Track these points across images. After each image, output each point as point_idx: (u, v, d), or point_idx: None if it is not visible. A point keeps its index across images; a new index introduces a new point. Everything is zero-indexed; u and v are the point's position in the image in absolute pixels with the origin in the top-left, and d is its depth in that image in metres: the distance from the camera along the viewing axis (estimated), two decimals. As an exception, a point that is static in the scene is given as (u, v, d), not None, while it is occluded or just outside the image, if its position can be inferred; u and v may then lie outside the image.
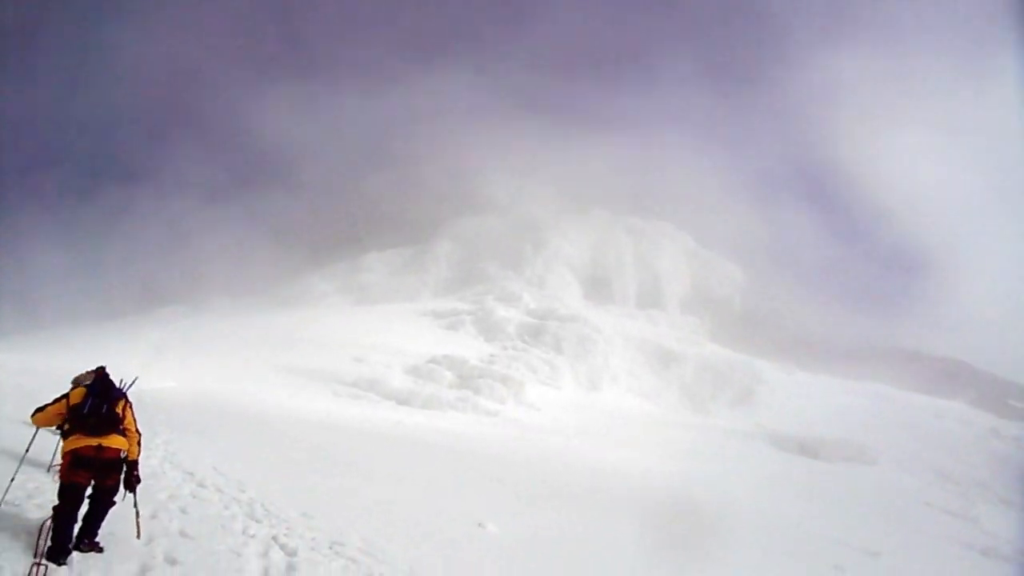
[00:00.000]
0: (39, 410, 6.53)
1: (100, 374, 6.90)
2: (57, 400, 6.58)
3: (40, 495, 7.00)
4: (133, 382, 7.06)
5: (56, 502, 6.07)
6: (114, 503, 6.37)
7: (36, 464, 7.20)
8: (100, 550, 6.04)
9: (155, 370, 17.03)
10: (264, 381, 16.13)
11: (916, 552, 10.39)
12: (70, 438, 6.31)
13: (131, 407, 6.76)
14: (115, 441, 6.36)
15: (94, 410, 6.37)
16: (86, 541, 6.03)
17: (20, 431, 8.84)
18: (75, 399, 6.50)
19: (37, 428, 6.76)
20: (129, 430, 6.61)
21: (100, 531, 6.17)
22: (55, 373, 12.67)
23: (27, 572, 5.16)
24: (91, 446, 6.24)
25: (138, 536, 6.53)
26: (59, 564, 5.67)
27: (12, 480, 6.60)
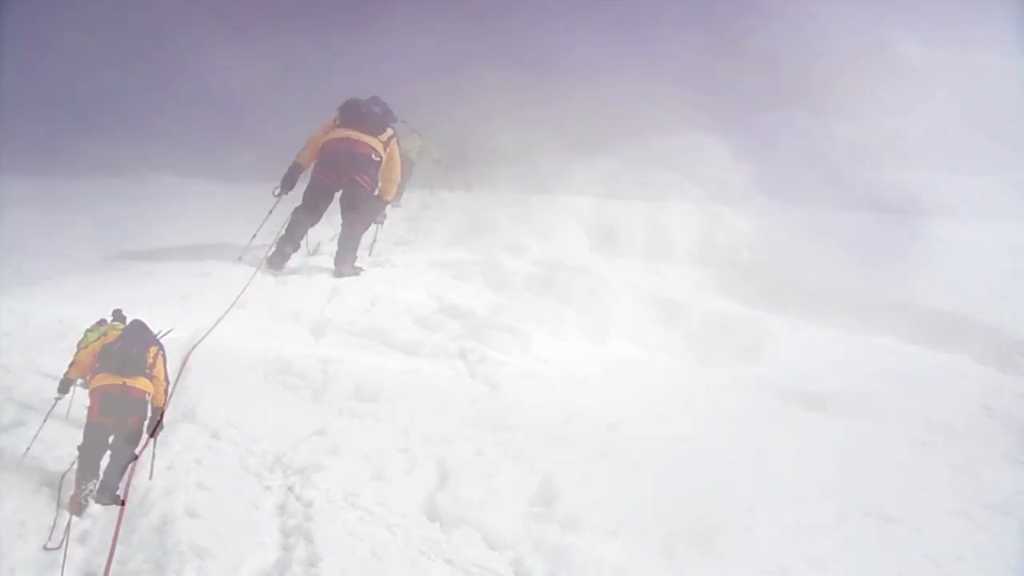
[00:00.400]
0: (76, 357, 6.83)
1: (117, 314, 7.41)
2: (93, 342, 6.92)
3: (58, 447, 7.13)
4: (168, 331, 7.40)
5: (80, 443, 6.30)
6: (136, 456, 6.58)
7: (53, 415, 7.23)
8: (121, 503, 6.17)
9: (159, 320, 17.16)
10: (270, 331, 16.18)
11: (917, 506, 10.56)
12: (97, 376, 6.60)
13: (163, 356, 7.07)
14: (140, 383, 6.59)
15: (123, 350, 6.62)
16: (107, 494, 6.21)
17: (33, 381, 8.96)
18: (110, 338, 6.83)
19: (63, 390, 6.91)
20: (157, 377, 6.85)
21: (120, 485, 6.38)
22: (70, 321, 12.79)
23: (51, 524, 5.30)
24: (116, 384, 6.47)
25: (150, 477, 6.71)
26: (78, 514, 5.83)
27: (36, 434, 6.74)
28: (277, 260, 5.68)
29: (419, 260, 10.20)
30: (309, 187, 7.33)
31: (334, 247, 10.01)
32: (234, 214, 11.53)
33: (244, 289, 4.02)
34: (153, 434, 6.87)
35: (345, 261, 5.92)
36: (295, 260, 6.20)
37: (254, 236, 8.35)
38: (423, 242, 9.17)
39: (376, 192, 7.42)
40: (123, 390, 6.47)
